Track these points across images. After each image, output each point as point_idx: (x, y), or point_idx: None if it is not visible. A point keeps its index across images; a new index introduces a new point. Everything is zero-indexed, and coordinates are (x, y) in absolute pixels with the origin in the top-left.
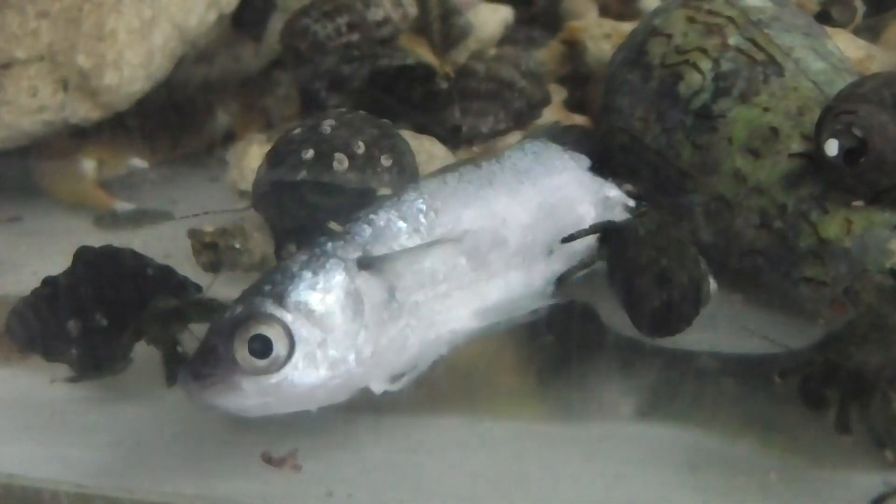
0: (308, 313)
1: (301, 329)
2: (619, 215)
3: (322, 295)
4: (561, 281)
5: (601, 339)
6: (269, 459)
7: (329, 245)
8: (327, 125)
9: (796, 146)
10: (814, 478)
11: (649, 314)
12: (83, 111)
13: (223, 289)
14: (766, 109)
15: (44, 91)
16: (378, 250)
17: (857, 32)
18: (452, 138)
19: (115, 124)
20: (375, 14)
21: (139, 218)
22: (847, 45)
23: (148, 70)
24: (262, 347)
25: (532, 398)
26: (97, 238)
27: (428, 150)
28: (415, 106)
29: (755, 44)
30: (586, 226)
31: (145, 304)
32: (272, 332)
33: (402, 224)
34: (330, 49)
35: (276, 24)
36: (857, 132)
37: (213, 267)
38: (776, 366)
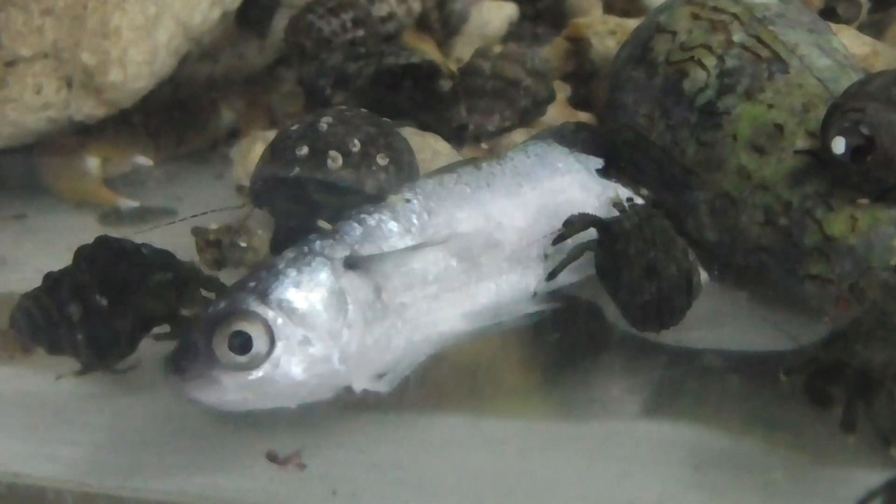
0: (290, 311)
1: (282, 327)
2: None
3: (305, 293)
4: (551, 276)
5: (605, 337)
6: (273, 458)
7: (318, 243)
8: (324, 122)
9: (801, 143)
10: (819, 476)
11: (640, 308)
12: (87, 108)
13: None
14: (770, 106)
15: (48, 88)
16: (367, 250)
17: (862, 29)
18: (459, 136)
19: (119, 122)
20: (380, 10)
21: (143, 215)
22: (852, 42)
23: (152, 67)
24: (242, 344)
25: (536, 396)
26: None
27: (432, 148)
28: (420, 104)
29: (760, 41)
30: (588, 232)
31: (143, 283)
32: (253, 329)
33: (393, 224)
34: (335, 46)
35: (280, 21)
36: (865, 130)
37: (217, 264)
38: (782, 363)
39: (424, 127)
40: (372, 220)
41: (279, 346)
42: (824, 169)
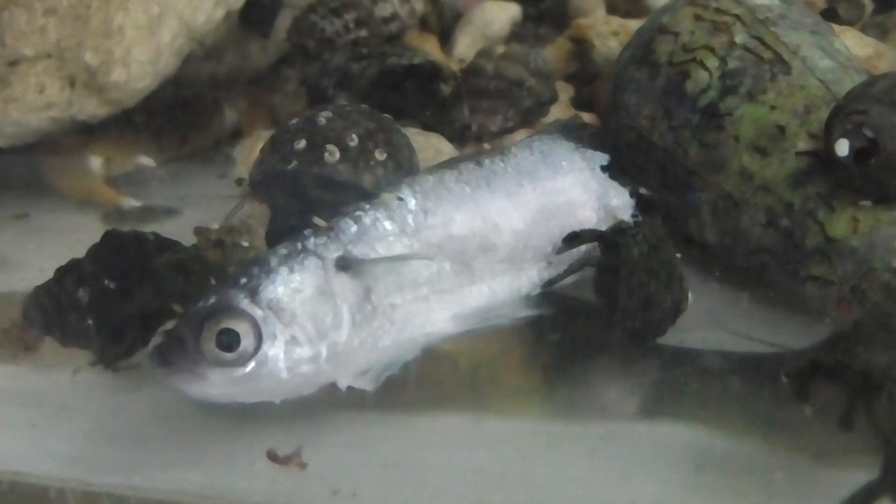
0: (279, 311)
1: (270, 326)
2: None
3: (295, 293)
4: (547, 286)
5: (606, 338)
6: (274, 457)
7: (311, 241)
8: (323, 117)
9: (803, 144)
10: (819, 477)
11: (629, 331)
12: (91, 108)
13: None
14: (773, 108)
15: (51, 88)
16: (361, 249)
17: (865, 30)
18: (462, 136)
19: (122, 121)
20: (383, 10)
21: (146, 215)
22: (855, 43)
23: (155, 67)
24: (229, 341)
25: (537, 396)
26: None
27: (435, 147)
28: (423, 105)
29: (762, 42)
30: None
31: (150, 268)
32: (241, 327)
33: (388, 224)
34: (338, 46)
35: (283, 20)
36: (868, 132)
37: None
38: (784, 365)
39: (427, 127)
40: (367, 219)
41: (266, 345)
42: (826, 170)
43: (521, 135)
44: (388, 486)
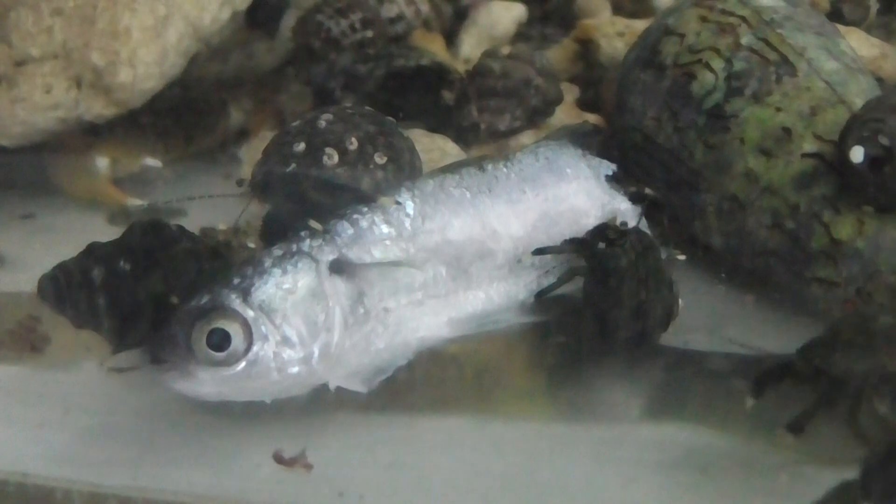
0: (270, 312)
1: (261, 327)
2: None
3: (287, 295)
4: (540, 296)
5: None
6: (280, 459)
7: (307, 242)
8: (324, 119)
9: (809, 146)
10: (824, 478)
11: (621, 341)
12: (97, 108)
13: None
14: (778, 109)
15: (58, 88)
16: (357, 252)
17: (870, 30)
18: (470, 136)
19: (128, 122)
20: (389, 10)
21: (152, 215)
22: (860, 44)
23: (162, 68)
24: (220, 341)
25: (543, 399)
26: (110, 235)
27: (441, 148)
28: (430, 106)
29: (768, 43)
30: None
31: (166, 252)
32: (232, 328)
33: (384, 228)
34: (344, 46)
35: (289, 21)
36: (884, 140)
37: None
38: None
39: (434, 128)
40: (364, 222)
41: (256, 345)
42: (832, 173)
43: (528, 135)
44: (394, 488)
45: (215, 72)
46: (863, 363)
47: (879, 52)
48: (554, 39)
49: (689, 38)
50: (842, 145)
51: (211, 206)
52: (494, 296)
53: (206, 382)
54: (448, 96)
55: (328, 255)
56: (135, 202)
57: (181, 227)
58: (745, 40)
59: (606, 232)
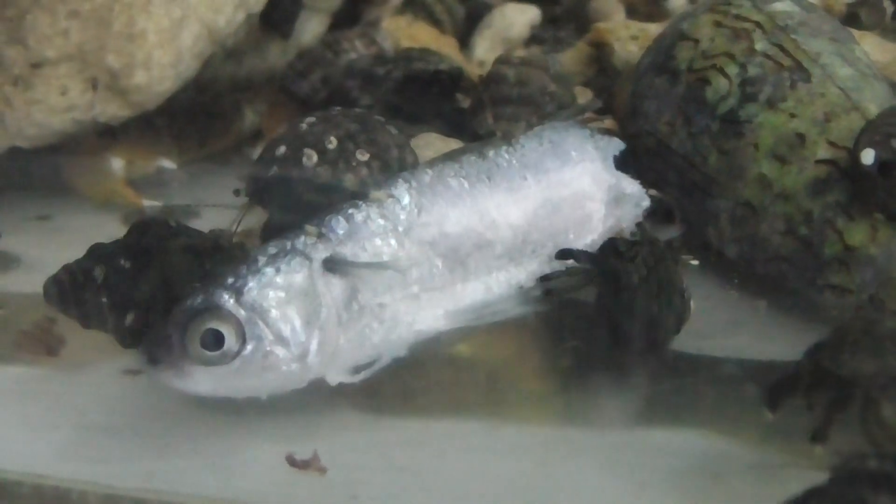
0: (263, 311)
1: (254, 326)
2: (632, 213)
3: (280, 293)
4: (547, 294)
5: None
6: (293, 462)
7: (300, 240)
8: (306, 122)
9: (823, 153)
10: None
11: (634, 350)
12: (112, 110)
13: None
14: (792, 115)
15: (73, 90)
16: (351, 248)
17: (886, 34)
18: None
19: (143, 123)
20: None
21: (167, 216)
22: (875, 48)
23: (177, 70)
24: (213, 340)
25: (554, 403)
26: None
27: None
28: (446, 111)
29: (782, 49)
30: (594, 223)
31: (166, 248)
32: (225, 327)
33: (379, 221)
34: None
35: (303, 22)
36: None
37: None
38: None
39: (449, 134)
40: (358, 217)
41: (250, 344)
42: (846, 179)
43: None
44: (407, 491)
45: (229, 73)
46: (870, 365)
47: (893, 56)
48: (567, 42)
49: (704, 43)
50: (855, 151)
51: (225, 209)
52: (493, 286)
53: (202, 381)
54: (463, 99)
55: (322, 253)
56: (150, 203)
57: (181, 224)
58: (759, 46)
59: (618, 246)
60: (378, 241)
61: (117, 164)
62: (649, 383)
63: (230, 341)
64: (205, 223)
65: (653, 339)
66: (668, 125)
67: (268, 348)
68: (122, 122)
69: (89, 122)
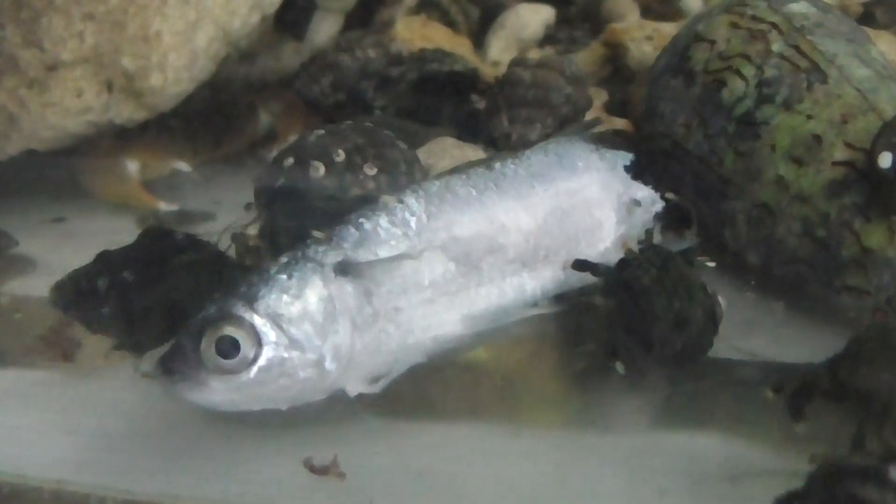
0: (277, 317)
1: (269, 332)
2: (643, 220)
3: (294, 300)
4: (576, 266)
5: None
6: (312, 467)
7: (311, 249)
8: (315, 134)
9: (840, 154)
10: None
11: (672, 357)
12: (127, 112)
13: None
14: (809, 117)
15: (89, 92)
16: (362, 254)
17: None
18: (501, 146)
19: (158, 125)
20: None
21: (182, 219)
22: (891, 48)
23: (192, 72)
24: (229, 348)
25: (572, 408)
26: None
27: (469, 159)
28: (460, 114)
29: (799, 50)
30: (605, 231)
31: (171, 261)
32: (240, 334)
33: (389, 227)
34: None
35: (316, 23)
36: None
37: None
38: (771, 380)
39: (463, 137)
40: (368, 224)
41: (265, 351)
42: (863, 181)
43: None
44: (426, 496)
45: (243, 75)
46: (890, 375)
47: None
48: (582, 42)
49: (720, 44)
50: (871, 152)
51: (240, 211)
52: (508, 290)
53: (218, 391)
54: (478, 100)
55: (333, 259)
56: (165, 205)
57: (188, 235)
58: (775, 47)
59: (624, 259)
60: (389, 248)
61: (132, 166)
62: (667, 386)
63: (246, 348)
64: (220, 225)
65: (686, 339)
66: (684, 127)
67: (284, 354)
68: (136, 124)
69: (104, 124)
